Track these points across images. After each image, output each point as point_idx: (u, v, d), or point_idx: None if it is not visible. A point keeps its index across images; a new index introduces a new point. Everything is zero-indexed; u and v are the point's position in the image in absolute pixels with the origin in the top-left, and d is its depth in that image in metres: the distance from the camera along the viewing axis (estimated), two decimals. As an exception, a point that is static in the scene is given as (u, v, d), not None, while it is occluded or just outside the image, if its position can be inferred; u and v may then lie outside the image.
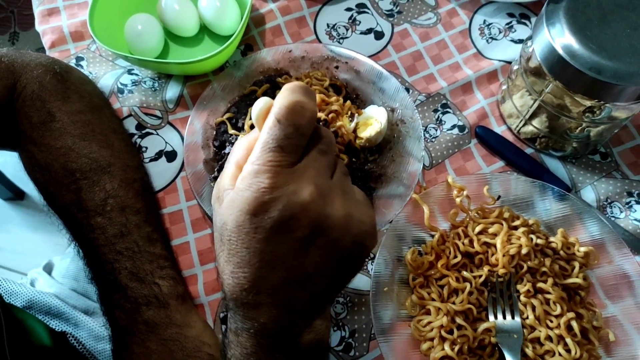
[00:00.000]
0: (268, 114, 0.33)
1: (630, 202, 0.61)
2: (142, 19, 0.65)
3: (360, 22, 0.72)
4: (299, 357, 0.36)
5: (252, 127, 0.57)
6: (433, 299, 0.53)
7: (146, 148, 0.63)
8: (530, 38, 0.57)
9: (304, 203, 0.31)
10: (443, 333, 0.50)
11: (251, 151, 0.33)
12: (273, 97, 0.61)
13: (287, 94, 0.33)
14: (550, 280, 0.52)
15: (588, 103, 0.53)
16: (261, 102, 0.34)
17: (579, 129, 0.58)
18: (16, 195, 1.50)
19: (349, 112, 0.60)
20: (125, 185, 0.50)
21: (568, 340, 0.50)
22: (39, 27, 0.72)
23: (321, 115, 0.56)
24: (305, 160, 0.33)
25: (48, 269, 0.76)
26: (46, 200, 0.51)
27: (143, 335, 0.46)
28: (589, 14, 0.52)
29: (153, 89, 0.67)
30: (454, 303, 0.52)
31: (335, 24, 0.72)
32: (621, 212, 0.60)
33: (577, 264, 0.54)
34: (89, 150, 0.50)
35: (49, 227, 1.45)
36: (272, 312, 0.33)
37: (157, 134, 0.64)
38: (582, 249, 0.54)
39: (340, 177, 0.36)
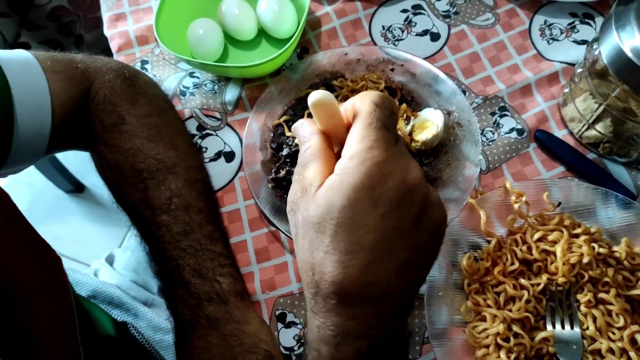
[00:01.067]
0: (329, 107, 0.33)
1: (701, 211, 0.58)
2: (203, 24, 0.67)
3: (416, 23, 0.72)
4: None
5: (309, 115, 0.58)
6: (489, 306, 0.52)
7: (206, 148, 0.66)
8: (595, 40, 0.55)
9: (416, 177, 0.31)
10: (499, 340, 0.50)
11: (327, 140, 0.34)
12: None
13: (367, 91, 0.34)
14: (612, 291, 0.51)
15: (658, 108, 0.51)
16: (319, 93, 0.33)
17: (647, 134, 0.56)
18: (76, 189, 1.57)
19: (405, 115, 0.60)
20: (188, 185, 0.53)
21: (632, 354, 0.48)
22: (107, 31, 0.76)
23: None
24: (400, 143, 0.33)
25: (110, 260, 0.79)
26: (116, 198, 0.54)
27: (205, 330, 0.48)
28: (662, 15, 0.50)
29: (213, 91, 0.69)
30: (510, 310, 0.51)
31: (391, 25, 0.72)
32: (691, 221, 0.57)
33: (642, 275, 0.52)
34: (156, 152, 0.53)
35: (106, 220, 1.53)
36: (387, 306, 0.31)
37: (217, 135, 0.67)
38: (649, 260, 0.52)
39: None
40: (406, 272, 0.31)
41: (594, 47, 0.55)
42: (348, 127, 0.34)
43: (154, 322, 0.66)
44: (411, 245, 0.31)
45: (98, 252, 0.81)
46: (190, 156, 0.55)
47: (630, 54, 0.49)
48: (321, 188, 0.31)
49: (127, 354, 0.61)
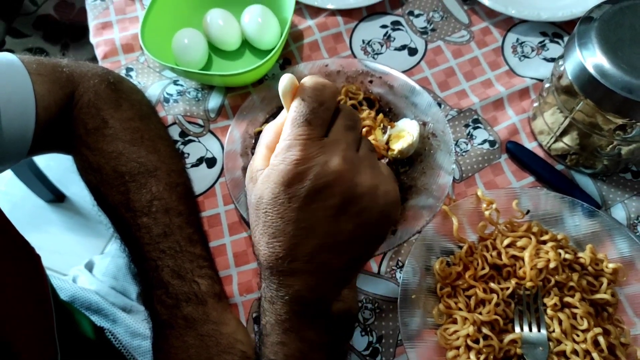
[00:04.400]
0: (294, 92, 0.36)
1: (661, 221, 0.61)
2: (188, 34, 0.69)
3: (394, 38, 0.75)
4: (330, 324, 0.39)
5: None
6: (460, 309, 0.54)
7: (188, 154, 0.67)
8: (562, 57, 0.58)
9: (335, 172, 0.34)
10: (469, 342, 0.52)
11: (280, 133, 0.36)
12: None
13: (308, 78, 0.37)
14: (577, 295, 0.53)
15: (619, 121, 0.54)
16: (286, 79, 0.36)
17: (610, 146, 0.58)
18: (57, 198, 1.56)
19: (382, 125, 0.62)
20: (169, 189, 0.54)
21: (594, 355, 0.50)
22: (93, 39, 0.77)
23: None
24: (333, 135, 0.36)
25: (89, 267, 0.79)
26: (97, 200, 0.55)
27: (182, 330, 0.49)
28: (621, 34, 0.53)
29: (196, 99, 0.71)
30: (480, 313, 0.53)
31: (371, 40, 0.75)
32: (652, 230, 0.60)
33: (605, 280, 0.54)
34: (138, 155, 0.54)
35: (87, 230, 1.52)
36: (306, 279, 0.36)
37: (199, 142, 0.68)
38: (611, 266, 0.55)
39: (367, 151, 0.38)
40: (321, 254, 0.35)
41: (560, 63, 0.58)
42: None
43: (132, 328, 0.66)
44: (329, 232, 0.35)
45: (78, 262, 0.81)
46: (172, 160, 0.56)
47: (592, 71, 0.52)
48: (259, 179, 0.36)
49: (105, 358, 0.61)
